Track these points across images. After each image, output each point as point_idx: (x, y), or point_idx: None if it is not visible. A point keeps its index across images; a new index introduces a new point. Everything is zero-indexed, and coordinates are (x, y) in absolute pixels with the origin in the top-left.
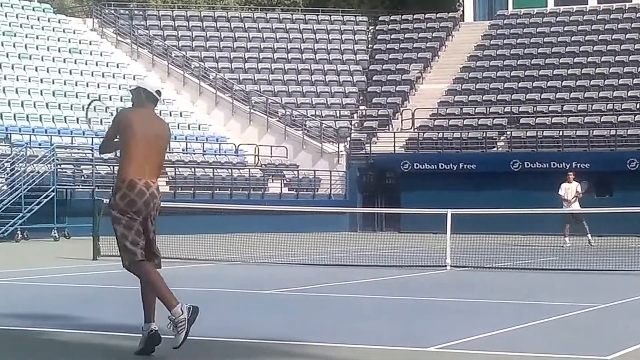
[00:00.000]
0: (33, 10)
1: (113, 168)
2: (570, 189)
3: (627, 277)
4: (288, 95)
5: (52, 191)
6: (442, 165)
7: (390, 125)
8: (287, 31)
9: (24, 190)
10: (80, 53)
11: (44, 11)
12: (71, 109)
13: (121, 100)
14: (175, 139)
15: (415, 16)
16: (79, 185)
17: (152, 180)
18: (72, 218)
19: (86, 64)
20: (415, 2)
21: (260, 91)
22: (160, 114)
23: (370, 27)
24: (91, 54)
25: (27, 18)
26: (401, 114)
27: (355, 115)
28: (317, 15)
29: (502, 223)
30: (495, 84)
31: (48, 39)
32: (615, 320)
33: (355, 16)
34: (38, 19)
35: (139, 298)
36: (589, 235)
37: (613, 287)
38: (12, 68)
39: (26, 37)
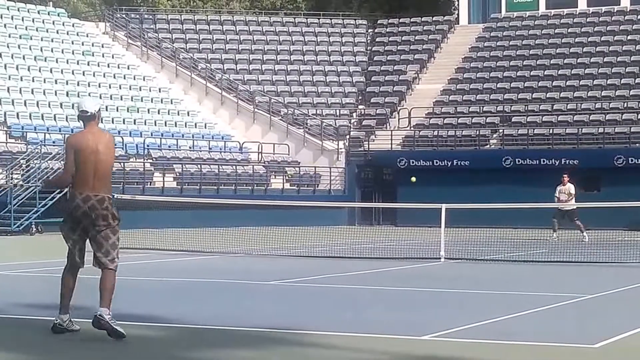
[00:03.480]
0: (48, 14)
1: (124, 164)
2: (563, 191)
3: (614, 269)
4: (290, 95)
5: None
6: (437, 162)
7: (388, 124)
8: (290, 34)
9: (38, 186)
10: (93, 55)
11: (58, 16)
12: None
13: (131, 100)
14: (183, 137)
15: (412, 19)
16: None
17: (93, 194)
18: None
19: (98, 65)
20: (413, 6)
21: (263, 91)
22: (168, 113)
23: (369, 30)
24: (103, 56)
25: (43, 22)
26: (398, 113)
27: (354, 114)
28: (319, 18)
29: (494, 217)
30: (488, 84)
31: (62, 42)
32: (602, 310)
33: (355, 20)
34: (53, 23)
35: (146, 289)
36: (584, 233)
37: (600, 278)
38: (29, 70)
39: (42, 40)
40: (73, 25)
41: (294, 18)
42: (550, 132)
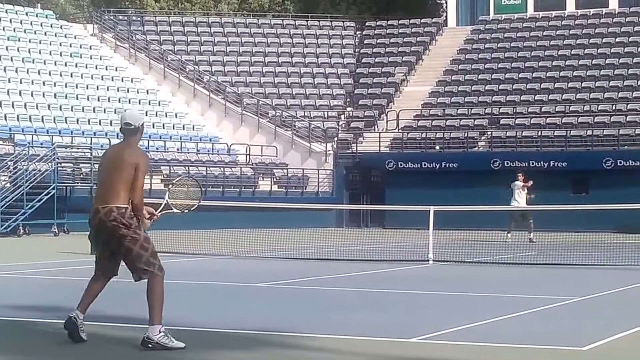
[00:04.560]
0: (36, 16)
1: None
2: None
3: (603, 271)
4: (278, 97)
5: (53, 188)
6: (425, 164)
7: (376, 126)
8: (278, 36)
9: (26, 187)
10: (81, 57)
11: (46, 17)
12: (71, 110)
13: (119, 102)
14: (171, 138)
15: (400, 21)
16: (78, 183)
17: (101, 207)
18: (72, 214)
19: (86, 67)
20: (401, 8)
21: (251, 93)
22: (156, 115)
23: (357, 32)
24: (91, 57)
25: (31, 24)
26: (386, 115)
27: (342, 116)
28: (307, 21)
29: (482, 219)
30: (476, 86)
31: (50, 44)
32: (591, 313)
33: (343, 22)
34: (41, 25)
35: (137, 291)
36: (532, 233)
37: (589, 281)
38: (16, 71)
39: (30, 41)
40: (61, 27)
41: (282, 20)
42: (539, 134)
